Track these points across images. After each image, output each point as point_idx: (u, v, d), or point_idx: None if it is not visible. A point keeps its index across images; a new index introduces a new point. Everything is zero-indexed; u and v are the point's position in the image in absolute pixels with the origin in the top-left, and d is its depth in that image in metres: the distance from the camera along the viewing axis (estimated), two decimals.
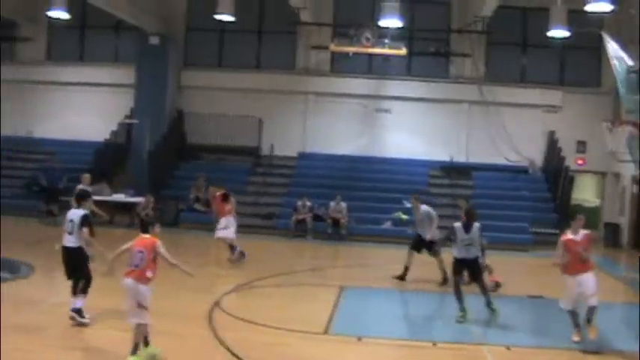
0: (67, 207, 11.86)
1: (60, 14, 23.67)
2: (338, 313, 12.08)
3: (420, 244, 15.32)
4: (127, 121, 26.95)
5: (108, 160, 26.46)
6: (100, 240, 10.52)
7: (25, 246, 17.47)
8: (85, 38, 28.51)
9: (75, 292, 10.21)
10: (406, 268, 15.20)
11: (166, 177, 25.90)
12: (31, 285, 13.15)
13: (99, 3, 23.22)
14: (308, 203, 23.04)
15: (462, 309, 11.61)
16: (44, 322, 10.32)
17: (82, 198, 10.72)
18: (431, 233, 15.08)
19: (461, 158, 26.42)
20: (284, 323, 10.78)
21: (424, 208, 15.53)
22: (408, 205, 17.64)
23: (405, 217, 17.71)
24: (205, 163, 26.57)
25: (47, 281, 13.74)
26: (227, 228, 17.08)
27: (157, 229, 8.92)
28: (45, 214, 23.11)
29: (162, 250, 8.69)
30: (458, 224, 12.03)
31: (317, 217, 23.01)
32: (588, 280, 10.12)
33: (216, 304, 12.05)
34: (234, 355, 9.21)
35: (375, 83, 26.96)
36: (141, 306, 8.40)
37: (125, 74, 26.99)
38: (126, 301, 8.59)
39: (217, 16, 23.37)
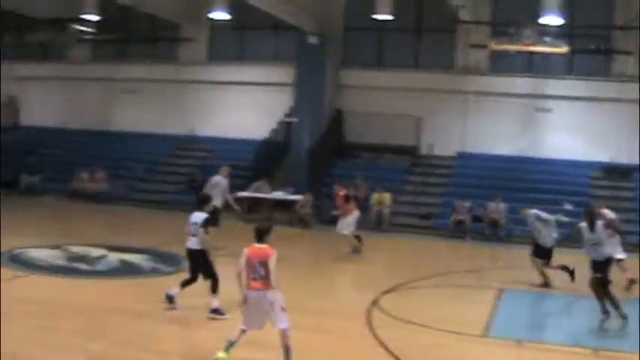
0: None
1: (221, 15, 24.63)
2: (497, 315, 12.09)
3: None
4: (287, 119, 27.72)
5: (268, 158, 27.32)
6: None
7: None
8: (244, 38, 29.55)
9: (214, 291, 10.87)
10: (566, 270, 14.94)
11: (324, 175, 26.37)
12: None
13: (258, 3, 23.99)
14: (467, 204, 22.96)
15: (623, 315, 11.38)
16: (200, 314, 10.90)
17: (203, 202, 11.59)
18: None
19: (622, 159, 25.46)
20: (442, 324, 10.85)
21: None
22: (569, 207, 17.32)
23: (565, 219, 17.37)
24: (363, 162, 26.88)
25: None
26: (349, 225, 17.97)
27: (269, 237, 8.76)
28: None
29: (272, 265, 8.49)
30: (583, 224, 11.83)
31: (475, 218, 22.87)
32: None
33: (374, 303, 12.26)
34: (392, 354, 9.36)
35: (535, 82, 26.41)
36: (283, 309, 8.48)
37: (284, 73, 27.76)
38: (248, 313, 8.56)
39: (375, 15, 23.68)
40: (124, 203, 25.87)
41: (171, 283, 11.65)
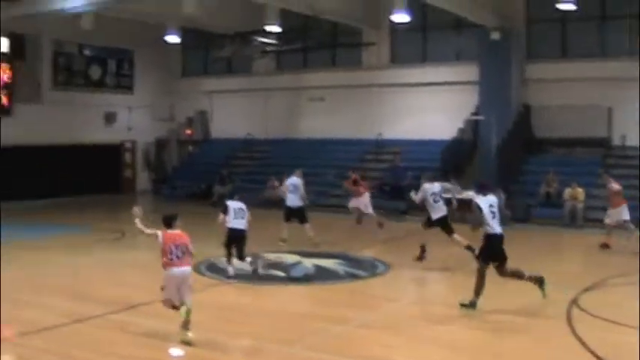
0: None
1: (402, 17, 26.01)
2: None
3: None
4: (473, 117, 28.74)
5: (456, 157, 28.55)
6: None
7: (380, 243, 19.98)
8: (426, 39, 30.86)
9: None
10: None
11: (515, 172, 27.17)
12: (386, 282, 15.10)
13: (439, 2, 25.26)
14: None
15: None
16: (399, 319, 12.04)
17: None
18: None
19: None
20: None
21: None
22: None
23: None
24: (553, 157, 27.48)
25: (402, 279, 15.69)
26: (367, 207, 21.09)
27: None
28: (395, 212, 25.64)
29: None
30: None
31: None
32: None
33: (574, 302, 12.67)
34: (597, 357, 9.69)
35: None
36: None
37: (468, 71, 28.75)
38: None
39: (559, 6, 24.32)
40: (317, 210, 27.64)
41: (366, 288, 12.99)
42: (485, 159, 27.70)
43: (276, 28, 29.41)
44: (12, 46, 30.73)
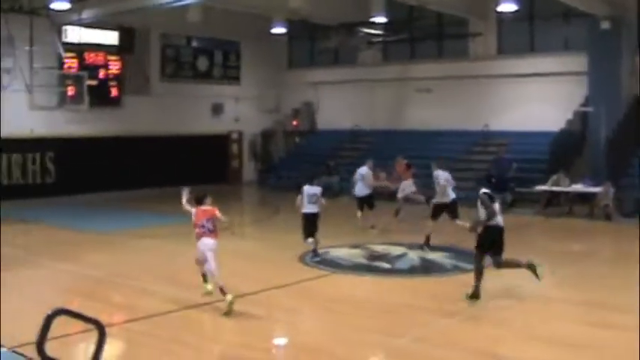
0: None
1: (509, 7, 26.00)
2: None
3: None
4: (582, 109, 28.60)
5: (564, 149, 28.48)
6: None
7: None
8: (534, 29, 30.82)
9: None
10: None
11: (625, 165, 26.90)
12: (493, 276, 14.47)
13: None
14: None
15: None
16: (506, 313, 12.24)
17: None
18: None
19: None
20: None
21: None
22: None
23: None
24: None
25: (510, 272, 15.87)
26: (404, 190, 22.60)
27: None
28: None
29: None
30: None
31: None
32: None
33: None
34: None
35: None
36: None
37: (576, 62, 28.53)
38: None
39: None
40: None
41: (472, 281, 13.24)
42: (594, 151, 27.61)
43: (382, 19, 29.94)
44: (121, 39, 32.03)
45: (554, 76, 29.61)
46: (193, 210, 13.22)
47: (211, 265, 12.76)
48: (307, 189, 17.12)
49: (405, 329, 11.39)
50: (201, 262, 13.09)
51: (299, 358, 10.46)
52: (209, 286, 13.14)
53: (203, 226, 13.04)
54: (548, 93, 29.85)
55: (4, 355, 10.00)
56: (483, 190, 13.20)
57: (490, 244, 13.03)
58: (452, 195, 18.79)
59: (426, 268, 16.35)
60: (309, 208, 16.97)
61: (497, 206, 13.07)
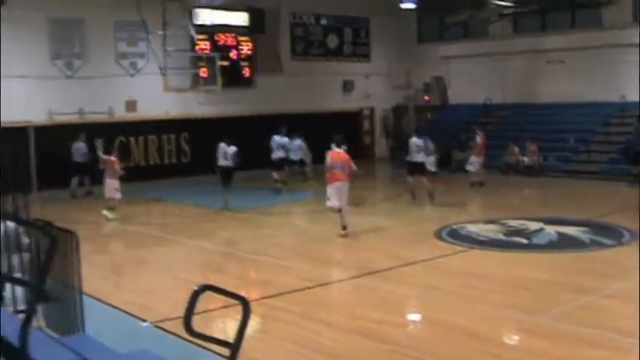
0: None
1: None
2: None
3: None
4: None
5: None
6: None
7: (621, 212, 19.54)
8: None
9: None
10: None
11: None
12: (632, 252, 14.50)
13: None
14: None
15: None
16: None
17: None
18: None
19: None
20: None
21: None
22: None
23: None
24: None
25: None
26: (472, 164, 25.72)
27: None
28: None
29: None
30: None
31: None
32: None
33: None
34: None
35: None
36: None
37: None
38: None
39: None
40: (557, 175, 27.82)
41: (612, 257, 12.97)
42: None
43: None
44: (251, 20, 32.57)
45: None
46: (329, 152, 16.79)
47: (344, 203, 16.61)
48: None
49: (545, 306, 11.23)
50: (334, 206, 16.75)
51: (435, 335, 10.45)
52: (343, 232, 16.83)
53: (334, 168, 16.56)
54: None
55: (146, 329, 10.42)
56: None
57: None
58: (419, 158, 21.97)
59: (564, 244, 16.00)
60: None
61: None
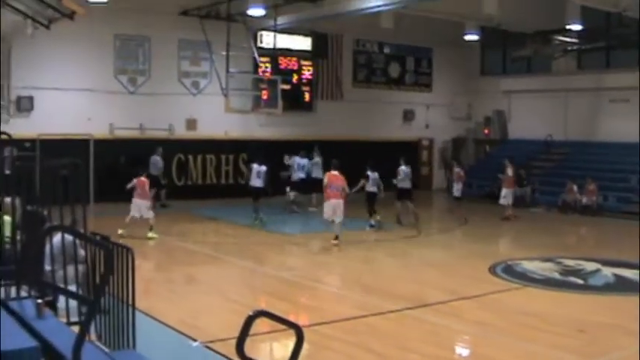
0: None
1: None
2: None
3: None
4: None
5: None
6: None
7: None
8: None
9: None
10: None
11: None
12: None
13: None
14: None
15: None
16: None
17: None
18: None
19: None
20: None
21: None
22: None
23: None
24: None
25: None
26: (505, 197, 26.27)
27: None
28: None
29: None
30: None
31: None
32: None
33: None
34: None
35: None
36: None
37: None
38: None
39: None
40: (616, 216, 27.34)
41: None
42: None
43: (577, 27, 29.06)
44: (314, 44, 32.85)
45: None
46: (326, 174, 19.53)
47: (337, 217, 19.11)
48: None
49: (603, 350, 10.98)
50: (328, 218, 19.24)
51: None
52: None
53: (330, 187, 18.99)
54: None
55: (196, 349, 10.39)
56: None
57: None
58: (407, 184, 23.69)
59: (621, 286, 15.61)
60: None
61: None
